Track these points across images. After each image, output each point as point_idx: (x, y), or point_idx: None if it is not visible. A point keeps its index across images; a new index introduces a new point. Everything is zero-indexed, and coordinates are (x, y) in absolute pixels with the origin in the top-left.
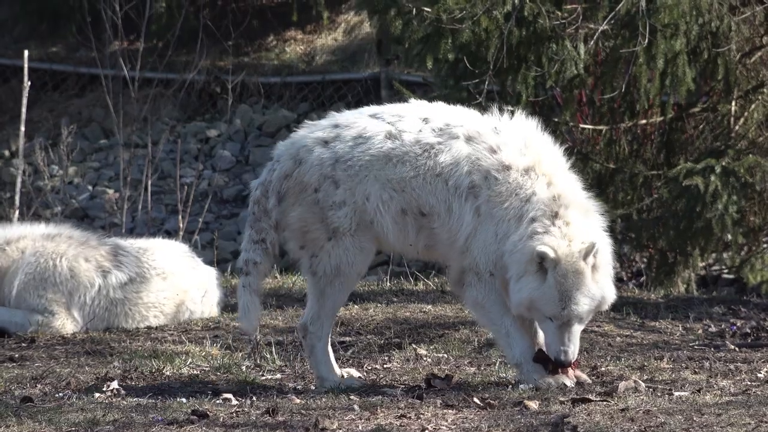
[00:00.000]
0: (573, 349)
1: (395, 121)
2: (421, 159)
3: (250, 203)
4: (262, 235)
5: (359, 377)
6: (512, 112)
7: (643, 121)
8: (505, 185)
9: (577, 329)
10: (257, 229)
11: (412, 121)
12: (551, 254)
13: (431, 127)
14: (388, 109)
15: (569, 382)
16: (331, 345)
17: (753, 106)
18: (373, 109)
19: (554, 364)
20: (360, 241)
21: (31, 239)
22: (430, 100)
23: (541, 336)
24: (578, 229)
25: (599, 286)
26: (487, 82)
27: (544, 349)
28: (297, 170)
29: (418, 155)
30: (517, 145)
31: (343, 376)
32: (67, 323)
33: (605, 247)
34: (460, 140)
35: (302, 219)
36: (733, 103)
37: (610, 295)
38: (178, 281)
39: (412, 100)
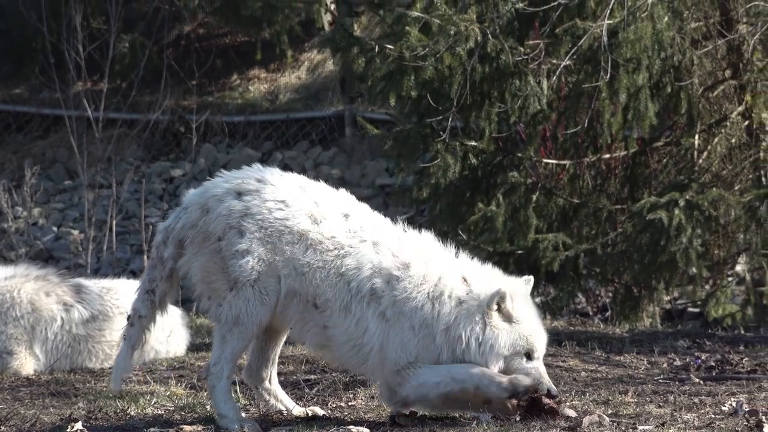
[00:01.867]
0: None
1: (320, 203)
2: (329, 255)
3: (152, 247)
4: (153, 285)
5: (323, 415)
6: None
7: (607, 156)
8: (408, 279)
9: None
10: (151, 277)
11: (335, 213)
12: (506, 290)
13: (348, 227)
14: (317, 188)
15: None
16: (296, 383)
17: (716, 139)
18: (303, 181)
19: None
20: (261, 292)
21: None
22: (395, 136)
23: None
24: (491, 279)
25: None
26: (450, 119)
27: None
28: (203, 219)
29: (329, 250)
30: (414, 248)
31: (307, 414)
32: (26, 363)
33: None
34: (367, 244)
35: (204, 269)
36: (697, 137)
37: None
38: None
39: (342, 191)
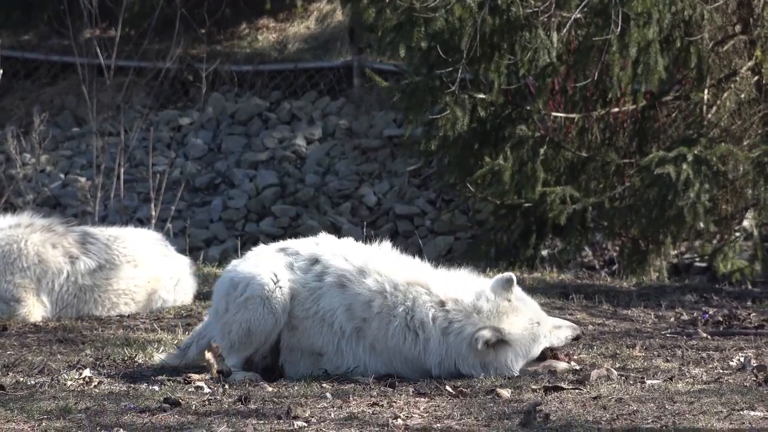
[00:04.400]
0: None
1: (294, 254)
2: (308, 302)
3: None
4: None
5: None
6: (380, 241)
7: (616, 110)
8: (380, 313)
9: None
10: None
11: (306, 261)
12: (490, 337)
13: (316, 271)
14: (293, 243)
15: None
16: None
17: (725, 94)
18: (285, 243)
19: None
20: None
21: None
22: (403, 88)
23: None
24: (467, 294)
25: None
26: (460, 71)
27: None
28: None
29: (306, 298)
30: (379, 274)
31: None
32: (34, 310)
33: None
34: (335, 286)
35: None
36: (706, 92)
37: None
38: (149, 269)
39: (322, 235)
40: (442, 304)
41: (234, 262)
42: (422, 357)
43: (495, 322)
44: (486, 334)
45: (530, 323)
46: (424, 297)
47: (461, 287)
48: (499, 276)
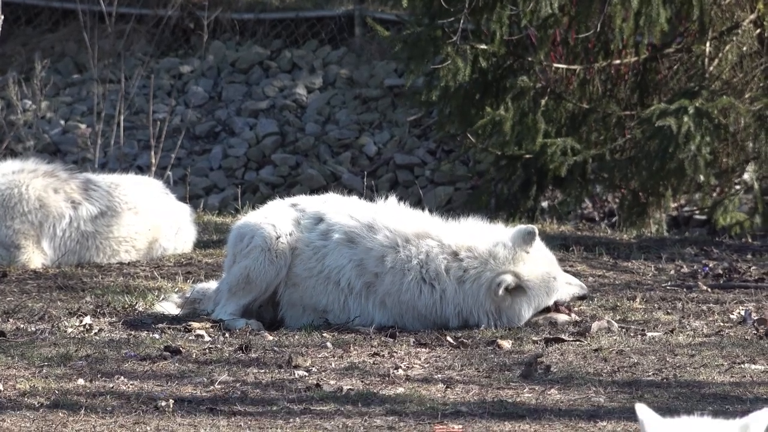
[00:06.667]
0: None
1: (302, 211)
2: (311, 262)
3: None
4: None
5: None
6: (386, 197)
7: (617, 62)
8: (393, 268)
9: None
10: None
11: (311, 219)
12: (510, 281)
13: (320, 230)
14: (304, 200)
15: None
16: None
17: (727, 47)
18: (297, 199)
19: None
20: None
21: None
22: (405, 38)
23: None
24: (481, 242)
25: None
26: (462, 21)
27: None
28: None
29: (309, 258)
30: (388, 229)
31: None
32: (33, 257)
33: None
34: (342, 243)
35: None
36: (708, 44)
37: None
38: (150, 216)
39: (330, 194)
40: (455, 254)
41: (248, 214)
42: (438, 309)
43: (512, 267)
44: (507, 278)
45: (548, 275)
46: (437, 249)
47: (473, 236)
48: (522, 227)
